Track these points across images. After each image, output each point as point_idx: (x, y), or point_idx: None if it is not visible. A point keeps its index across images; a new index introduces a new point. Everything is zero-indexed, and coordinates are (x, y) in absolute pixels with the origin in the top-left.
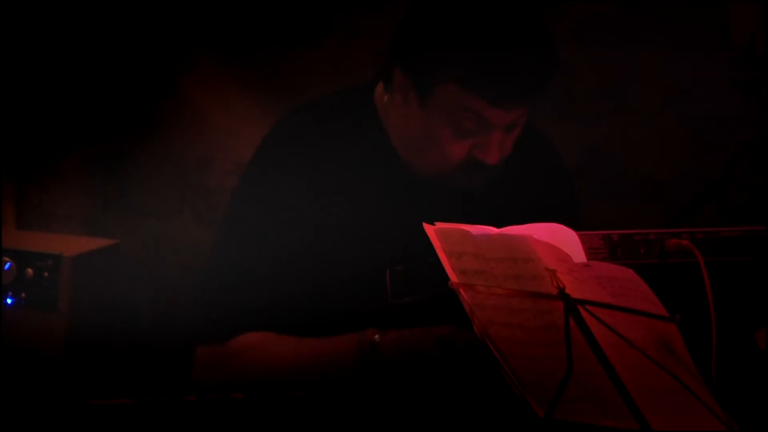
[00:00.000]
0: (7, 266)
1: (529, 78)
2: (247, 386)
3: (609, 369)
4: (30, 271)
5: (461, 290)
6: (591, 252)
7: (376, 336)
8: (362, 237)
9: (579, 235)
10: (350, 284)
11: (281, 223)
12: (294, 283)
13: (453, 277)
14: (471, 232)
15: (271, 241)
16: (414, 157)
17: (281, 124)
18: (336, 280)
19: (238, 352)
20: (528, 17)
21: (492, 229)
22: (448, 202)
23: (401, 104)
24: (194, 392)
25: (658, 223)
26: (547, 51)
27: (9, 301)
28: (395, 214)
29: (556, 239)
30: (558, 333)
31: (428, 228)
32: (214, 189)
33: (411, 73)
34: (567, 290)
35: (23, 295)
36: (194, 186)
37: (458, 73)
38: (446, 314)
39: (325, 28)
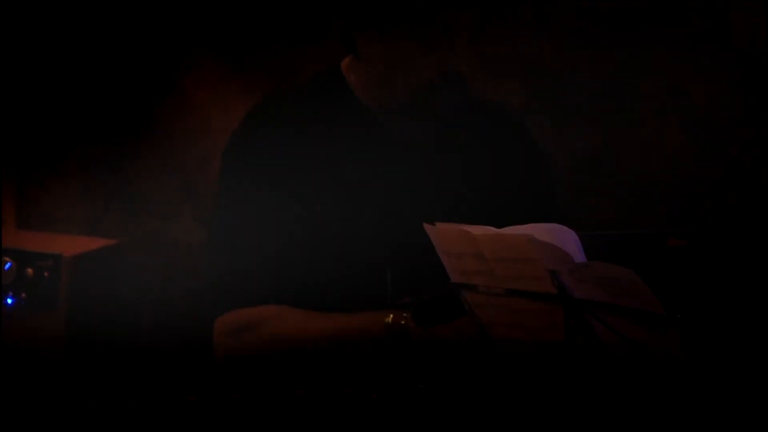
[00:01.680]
0: (7, 266)
1: None
2: (268, 357)
3: (609, 369)
4: (30, 271)
5: (462, 290)
6: (591, 252)
7: (403, 321)
8: (355, 236)
9: (579, 236)
10: (347, 285)
11: (264, 222)
12: (290, 283)
13: (453, 278)
14: (471, 233)
15: (259, 237)
16: (389, 94)
17: (254, 110)
18: (330, 280)
19: (257, 321)
20: None
21: (492, 230)
22: (436, 191)
23: (367, 55)
24: (195, 392)
25: (658, 223)
26: None
27: (9, 301)
28: (388, 213)
29: (556, 239)
30: (559, 333)
31: (428, 228)
32: (214, 189)
33: (366, 24)
34: (567, 291)
35: (23, 295)
36: (194, 186)
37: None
38: (446, 315)
39: (325, 29)
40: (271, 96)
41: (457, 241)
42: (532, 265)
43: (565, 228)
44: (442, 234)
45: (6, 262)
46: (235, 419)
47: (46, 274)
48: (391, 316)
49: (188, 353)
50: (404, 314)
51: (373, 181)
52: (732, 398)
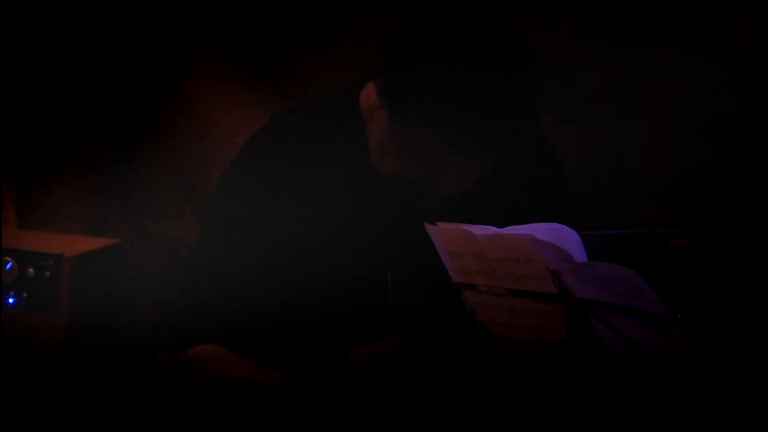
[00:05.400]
0: (8, 266)
1: (497, 134)
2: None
3: (610, 369)
4: (31, 270)
5: (462, 290)
6: (592, 252)
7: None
8: (357, 237)
9: (580, 235)
10: (349, 285)
11: (264, 225)
12: (279, 286)
13: (454, 277)
14: (472, 232)
15: (255, 244)
16: (376, 159)
17: (269, 124)
18: (332, 280)
19: (190, 362)
20: (513, 75)
21: (493, 229)
22: (434, 204)
23: (378, 106)
24: (195, 392)
25: (658, 223)
26: (524, 110)
27: (10, 300)
28: (390, 214)
29: (557, 239)
30: (560, 333)
31: (429, 228)
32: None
33: (389, 90)
34: (568, 290)
35: (24, 294)
36: (195, 186)
37: (428, 112)
38: (447, 314)
39: (326, 30)
40: (285, 110)
41: (459, 240)
42: (533, 264)
43: (566, 227)
44: (444, 234)
45: (7, 262)
46: (235, 419)
47: (47, 273)
48: (308, 388)
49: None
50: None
51: (374, 180)
52: (732, 398)
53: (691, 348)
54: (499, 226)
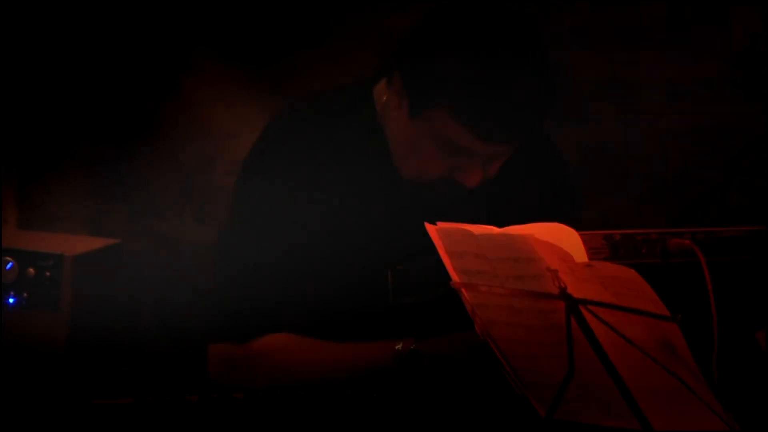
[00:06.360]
0: (8, 266)
1: (521, 118)
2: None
3: (610, 369)
4: (32, 270)
5: (463, 290)
6: (593, 252)
7: (413, 345)
8: (359, 236)
9: (581, 235)
10: (349, 284)
11: (277, 223)
12: (295, 283)
13: (455, 277)
14: (473, 232)
15: (269, 241)
16: (399, 161)
17: (277, 121)
18: (333, 280)
19: (259, 354)
20: (532, 60)
21: (494, 229)
22: (447, 201)
23: (395, 107)
24: (196, 392)
25: (659, 223)
26: (545, 94)
27: (11, 300)
28: (393, 213)
29: (557, 239)
30: (560, 333)
31: (430, 228)
32: (215, 189)
33: (408, 85)
34: (569, 290)
35: (25, 294)
36: (196, 186)
37: (451, 101)
38: (447, 314)
39: (326, 29)
40: (293, 107)
41: (459, 240)
42: (533, 264)
43: (566, 227)
44: (444, 234)
45: (7, 262)
46: (235, 419)
47: (47, 273)
48: (401, 343)
49: (188, 353)
50: (412, 340)
51: (375, 180)
52: (732, 398)
53: (691, 348)
54: (500, 226)
